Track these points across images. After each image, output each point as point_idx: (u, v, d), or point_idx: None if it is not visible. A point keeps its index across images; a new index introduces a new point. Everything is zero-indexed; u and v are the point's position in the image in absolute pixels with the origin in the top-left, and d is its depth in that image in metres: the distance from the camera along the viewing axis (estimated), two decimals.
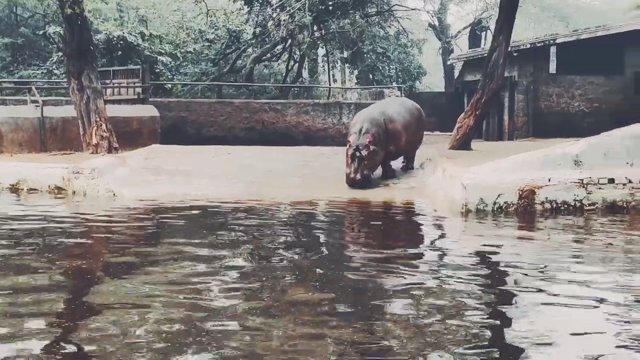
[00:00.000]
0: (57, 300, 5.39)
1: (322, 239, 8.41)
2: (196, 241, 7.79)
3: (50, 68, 28.52)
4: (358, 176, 11.86)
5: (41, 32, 30.36)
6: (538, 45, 24.62)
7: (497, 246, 7.60)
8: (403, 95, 27.20)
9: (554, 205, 9.86)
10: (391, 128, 12.49)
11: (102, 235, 8.51)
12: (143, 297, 5.42)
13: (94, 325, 4.71)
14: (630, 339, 4.53)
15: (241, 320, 4.80)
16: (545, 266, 6.51)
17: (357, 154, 11.82)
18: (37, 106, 17.36)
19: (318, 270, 6.33)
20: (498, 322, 4.92)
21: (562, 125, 23.78)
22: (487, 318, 4.98)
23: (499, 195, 9.85)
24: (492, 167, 10.45)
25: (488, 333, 4.65)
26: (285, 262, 6.83)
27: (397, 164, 13.47)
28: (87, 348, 4.29)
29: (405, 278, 6.05)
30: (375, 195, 11.60)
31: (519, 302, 5.33)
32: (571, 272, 6.31)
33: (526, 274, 6.18)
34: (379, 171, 12.87)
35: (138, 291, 5.59)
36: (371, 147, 11.87)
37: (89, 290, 5.75)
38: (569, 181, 9.92)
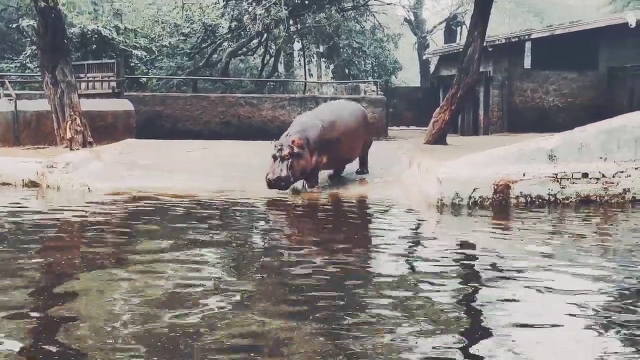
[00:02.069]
0: (31, 295, 5.36)
1: (292, 232, 8.41)
2: (171, 236, 7.77)
3: (24, 62, 28.22)
4: (274, 176, 10.89)
5: (14, 26, 30.07)
6: (513, 40, 24.71)
7: (472, 240, 7.64)
8: (379, 89, 27.24)
9: (529, 199, 9.94)
10: (328, 134, 11.66)
11: (74, 229, 8.46)
12: (115, 292, 5.39)
13: (70, 319, 4.69)
14: (598, 326, 4.58)
15: (216, 312, 4.79)
16: (519, 259, 6.55)
17: (278, 153, 10.98)
18: (10, 100, 17.18)
19: (289, 260, 6.34)
20: (468, 316, 4.94)
21: (536, 120, 23.93)
22: (458, 311, 5.01)
23: (474, 190, 9.91)
24: (467, 162, 10.50)
25: (458, 327, 4.67)
26: (255, 255, 6.83)
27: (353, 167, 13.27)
28: (63, 344, 4.27)
29: (377, 273, 6.06)
30: (350, 190, 11.62)
31: (491, 296, 5.36)
32: (544, 265, 6.36)
33: (500, 268, 6.22)
34: (352, 167, 12.87)
35: (110, 286, 5.56)
36: (295, 149, 10.97)
37: (62, 284, 5.71)
38: (543, 176, 10.00)
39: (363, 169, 13.17)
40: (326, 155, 11.63)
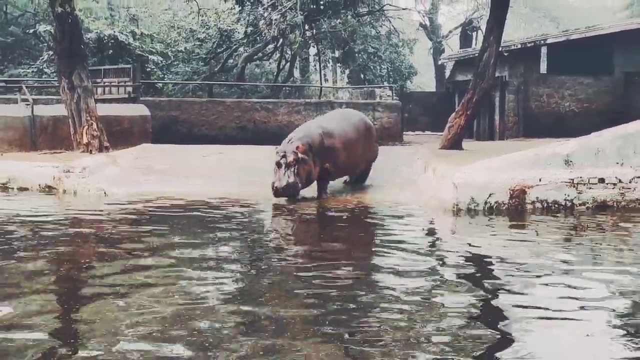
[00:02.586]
0: (48, 296, 5.39)
1: (307, 237, 8.42)
2: (187, 240, 7.78)
3: (41, 67, 28.42)
4: (282, 183, 10.55)
5: (32, 31, 30.27)
6: (529, 45, 24.67)
7: (488, 246, 7.62)
8: (394, 94, 27.23)
9: (545, 204, 9.90)
10: (329, 143, 11.29)
11: (91, 233, 8.50)
12: (129, 298, 5.41)
13: (85, 323, 4.71)
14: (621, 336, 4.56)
15: (228, 317, 4.80)
16: (536, 265, 6.52)
17: (283, 160, 10.61)
18: (27, 105, 17.29)
19: (306, 265, 6.35)
20: (483, 321, 4.93)
21: (552, 125, 23.87)
22: (473, 317, 4.99)
23: (490, 195, 9.89)
24: (483, 167, 10.47)
25: (474, 332, 4.66)
26: (270, 260, 6.84)
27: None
28: (78, 347, 4.29)
29: (393, 278, 6.05)
30: (365, 196, 11.62)
31: (507, 302, 5.34)
32: (561, 271, 6.33)
33: (516, 274, 6.19)
34: (375, 174, 12.82)
35: (125, 292, 5.58)
36: (299, 155, 10.62)
37: (77, 290, 5.74)
38: (559, 181, 9.96)
39: (361, 178, 12.73)
40: (327, 163, 11.28)
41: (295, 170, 10.61)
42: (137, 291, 5.53)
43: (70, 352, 4.21)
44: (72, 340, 4.43)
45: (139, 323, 4.69)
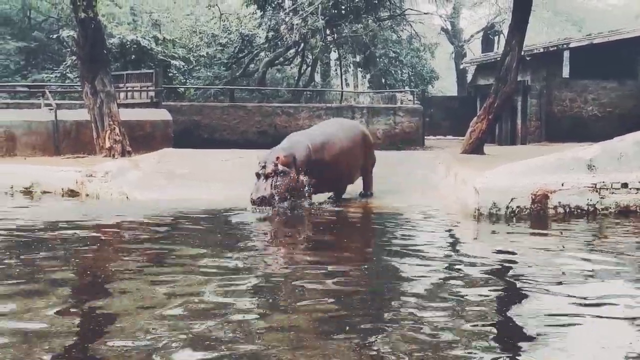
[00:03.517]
0: (68, 300, 5.41)
1: (326, 241, 8.41)
2: (208, 244, 7.80)
3: (64, 72, 28.65)
4: (257, 194, 9.98)
5: (55, 36, 30.52)
6: (551, 49, 24.57)
7: (510, 250, 7.58)
8: (415, 99, 27.20)
9: (567, 209, 9.83)
10: (317, 156, 10.72)
11: (114, 237, 8.54)
12: (153, 298, 5.43)
13: (105, 328, 4.73)
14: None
15: (251, 322, 4.80)
16: (558, 270, 6.48)
17: (262, 170, 10.13)
18: (50, 110, 17.46)
19: (329, 268, 6.34)
20: (504, 326, 4.90)
21: (575, 130, 23.75)
22: (494, 322, 4.96)
23: (512, 200, 9.83)
24: (505, 171, 10.42)
25: (494, 337, 4.63)
26: (295, 263, 6.84)
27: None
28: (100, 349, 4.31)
29: (412, 282, 6.03)
30: (386, 200, 11.59)
31: (529, 308, 5.30)
32: (584, 276, 6.29)
33: (538, 279, 6.15)
34: (396, 179, 12.77)
35: (148, 293, 5.60)
36: (279, 167, 10.08)
37: (99, 292, 5.76)
38: (582, 186, 9.88)
39: (367, 191, 12.20)
40: (316, 176, 10.56)
41: (274, 183, 10.06)
42: (157, 291, 5.55)
43: (93, 344, 4.24)
44: (95, 333, 4.45)
45: (159, 319, 4.71)
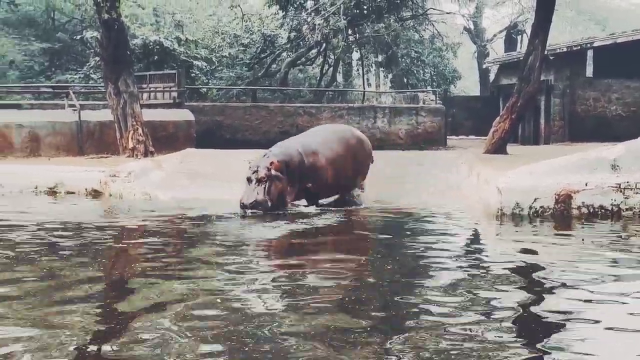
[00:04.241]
0: (91, 298, 5.45)
1: (349, 241, 8.40)
2: (229, 244, 7.83)
3: (88, 73, 28.84)
4: (250, 199, 9.82)
5: (78, 37, 30.72)
6: (575, 48, 24.41)
7: (533, 251, 7.54)
8: (437, 99, 27.13)
9: (591, 209, 9.75)
10: (310, 162, 10.47)
11: (136, 236, 8.59)
12: (176, 299, 5.45)
13: (128, 327, 4.75)
14: None
15: (274, 325, 4.80)
16: (582, 271, 6.43)
17: (254, 175, 9.91)
18: (74, 110, 17.60)
19: (352, 267, 6.34)
20: (528, 328, 4.87)
21: (598, 130, 23.57)
22: (517, 325, 4.94)
23: (535, 200, 9.77)
24: (528, 171, 10.36)
25: (517, 338, 4.61)
26: (314, 263, 6.84)
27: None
28: (121, 350, 4.33)
29: (434, 282, 6.01)
30: (408, 199, 11.57)
31: (553, 310, 5.27)
32: (609, 277, 6.24)
33: (561, 280, 6.11)
34: (419, 179, 12.72)
35: (171, 293, 5.62)
36: (272, 172, 9.87)
37: (121, 289, 5.79)
38: (606, 185, 9.80)
39: (351, 197, 11.50)
40: (310, 183, 10.52)
41: (267, 188, 9.86)
42: (179, 289, 5.58)
43: (112, 338, 4.26)
44: (114, 330, 4.47)
45: (180, 315, 4.73)
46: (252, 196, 9.83)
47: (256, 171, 9.93)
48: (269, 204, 9.84)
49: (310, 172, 10.46)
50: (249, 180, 9.99)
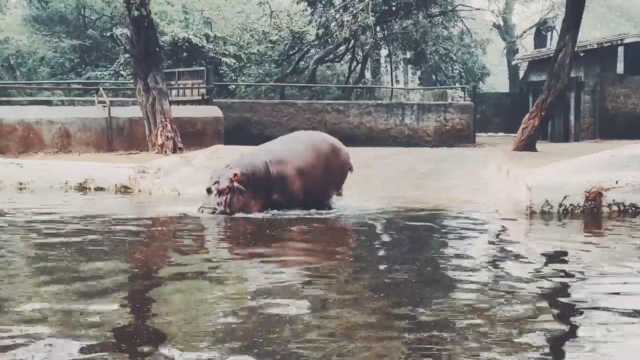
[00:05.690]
0: (122, 288, 5.49)
1: (379, 239, 8.40)
2: (257, 239, 7.85)
3: (117, 69, 29.04)
4: (209, 206, 9.46)
5: (108, 34, 30.91)
6: (605, 45, 24.20)
7: (563, 249, 7.49)
8: (466, 95, 27.01)
9: (622, 207, 9.66)
10: (276, 171, 9.81)
11: (165, 232, 8.65)
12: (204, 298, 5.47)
13: (159, 322, 4.78)
14: None
15: (302, 319, 4.81)
16: (613, 271, 6.38)
17: (214, 186, 9.44)
18: (104, 107, 17.72)
19: (381, 263, 6.34)
20: (555, 326, 4.83)
21: (629, 127, 23.34)
22: (546, 323, 4.90)
23: (565, 197, 9.70)
24: (557, 169, 10.30)
25: (545, 339, 4.57)
26: (342, 260, 6.85)
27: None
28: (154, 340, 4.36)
29: (462, 279, 5.99)
30: (436, 195, 11.54)
31: (581, 307, 5.23)
32: (638, 277, 6.18)
33: (591, 279, 6.06)
34: (447, 176, 12.67)
35: (200, 292, 5.65)
36: (235, 184, 9.37)
37: (150, 284, 5.83)
38: (637, 183, 9.70)
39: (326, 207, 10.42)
40: (276, 194, 9.89)
41: (227, 200, 9.38)
42: (210, 285, 5.60)
43: (141, 328, 4.29)
44: (145, 318, 4.51)
45: (210, 312, 4.75)
46: (212, 205, 9.44)
47: (217, 182, 9.46)
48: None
49: (276, 183, 9.85)
50: (208, 191, 9.57)
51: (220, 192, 9.39)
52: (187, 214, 9.67)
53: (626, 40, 24.15)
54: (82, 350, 4.10)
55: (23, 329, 4.45)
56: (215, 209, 9.37)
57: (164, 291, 5.64)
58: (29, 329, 4.45)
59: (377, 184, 12.57)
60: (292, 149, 10.21)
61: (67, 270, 6.18)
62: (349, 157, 10.80)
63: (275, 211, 9.79)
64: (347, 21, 27.54)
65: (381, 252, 7.40)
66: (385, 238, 8.33)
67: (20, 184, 13.09)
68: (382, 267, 6.54)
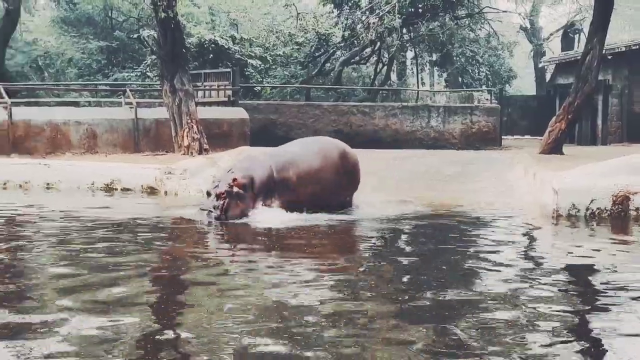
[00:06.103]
0: (148, 292, 5.51)
1: (402, 239, 8.38)
2: (278, 240, 7.86)
3: (144, 71, 29.23)
4: (206, 207, 9.42)
5: (135, 36, 31.15)
6: (634, 48, 23.96)
7: (590, 254, 7.42)
8: (493, 98, 26.90)
9: None
10: (281, 177, 9.68)
11: (191, 231, 8.69)
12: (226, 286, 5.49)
13: (182, 321, 4.80)
14: None
15: (323, 322, 4.81)
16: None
17: (214, 190, 9.36)
18: (131, 108, 17.83)
19: (404, 262, 6.32)
20: (579, 333, 4.80)
21: None
22: (572, 329, 4.87)
23: (591, 201, 9.62)
24: (584, 172, 10.21)
25: (570, 347, 4.54)
26: (367, 260, 6.84)
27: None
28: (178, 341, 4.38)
29: (487, 282, 5.96)
30: (463, 199, 11.49)
31: (609, 317, 5.18)
32: None
33: (618, 286, 6.00)
34: (474, 178, 12.63)
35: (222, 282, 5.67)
36: (234, 189, 9.20)
37: (174, 282, 5.86)
38: None
39: (337, 209, 10.25)
40: (278, 199, 9.69)
41: (224, 204, 9.20)
42: (232, 285, 5.62)
43: (165, 332, 4.31)
44: (168, 322, 4.53)
45: (231, 314, 4.76)
46: (209, 207, 9.35)
47: (217, 186, 9.39)
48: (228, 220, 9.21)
49: (279, 187, 9.69)
50: (207, 194, 9.56)
51: (218, 196, 9.27)
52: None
53: None
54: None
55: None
56: (211, 211, 9.30)
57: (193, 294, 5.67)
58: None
59: (402, 186, 12.53)
60: (300, 153, 10.12)
61: (96, 268, 6.23)
62: (358, 162, 10.79)
63: (291, 214, 9.61)
64: (373, 23, 27.55)
65: (404, 252, 7.38)
66: (408, 239, 8.31)
67: (48, 184, 13.20)
68: (403, 268, 6.53)
